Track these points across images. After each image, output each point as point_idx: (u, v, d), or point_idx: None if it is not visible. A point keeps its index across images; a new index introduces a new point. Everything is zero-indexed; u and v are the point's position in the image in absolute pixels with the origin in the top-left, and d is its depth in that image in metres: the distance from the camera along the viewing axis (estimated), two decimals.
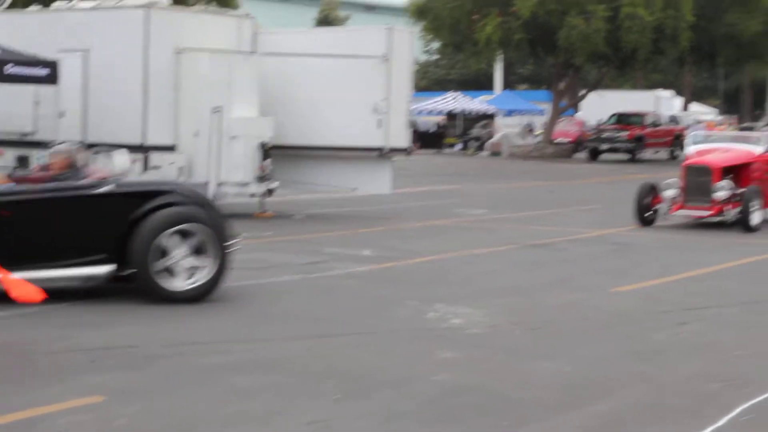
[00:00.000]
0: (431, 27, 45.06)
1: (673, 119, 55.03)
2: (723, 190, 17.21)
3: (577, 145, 52.28)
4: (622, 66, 48.49)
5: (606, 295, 11.13)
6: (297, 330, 8.96)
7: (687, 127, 59.06)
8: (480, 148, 50.46)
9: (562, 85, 48.42)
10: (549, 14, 41.09)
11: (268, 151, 18.32)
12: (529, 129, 55.24)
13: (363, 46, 18.97)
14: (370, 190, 19.95)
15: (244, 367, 7.62)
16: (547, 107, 55.65)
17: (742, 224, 17.07)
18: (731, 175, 17.72)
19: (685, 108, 71.58)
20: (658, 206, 17.77)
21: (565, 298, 10.86)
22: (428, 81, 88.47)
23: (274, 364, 7.74)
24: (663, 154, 47.84)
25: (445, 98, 56.96)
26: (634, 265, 13.59)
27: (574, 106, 56.57)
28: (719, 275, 12.71)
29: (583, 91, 53.59)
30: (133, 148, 18.28)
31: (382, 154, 19.01)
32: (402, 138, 19.34)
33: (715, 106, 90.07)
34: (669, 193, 17.63)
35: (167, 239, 9.84)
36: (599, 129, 46.92)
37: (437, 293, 10.93)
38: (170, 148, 18.48)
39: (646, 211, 17.75)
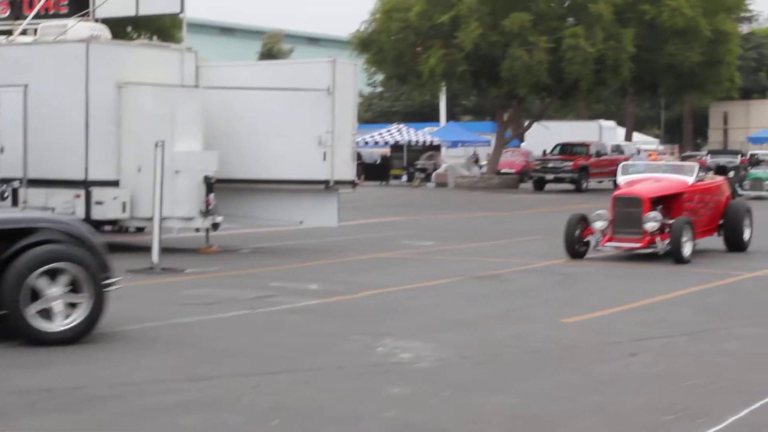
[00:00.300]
0: (374, 60, 45.14)
1: (617, 149, 55.57)
2: (652, 221, 16.68)
3: (523, 175, 52.60)
4: (565, 96, 48.92)
5: (554, 326, 11.08)
6: (243, 367, 8.80)
7: (630, 157, 59.92)
8: (426, 179, 50.54)
9: (506, 116, 48.69)
10: (491, 46, 41.34)
11: (212, 185, 18.17)
12: (474, 160, 55.50)
13: (307, 79, 18.89)
14: (317, 223, 19.82)
15: (190, 407, 7.45)
16: (491, 138, 55.95)
17: (673, 256, 16.56)
18: (661, 206, 17.31)
19: (629, 138, 72.30)
20: (588, 238, 17.33)
21: (513, 330, 10.80)
22: (373, 113, 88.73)
23: (220, 402, 7.58)
24: (607, 183, 48.14)
25: (389, 130, 57.10)
26: (581, 295, 13.58)
27: (519, 137, 56.92)
28: (667, 304, 12.71)
29: (527, 122, 53.93)
30: (75, 184, 18.08)
31: (327, 186, 18.91)
32: (348, 170, 19.25)
33: (657, 136, 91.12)
34: (599, 225, 17.12)
35: (37, 279, 9.45)
36: (544, 159, 47.24)
37: (385, 327, 10.82)
38: (113, 183, 18.29)
39: (576, 244, 17.35)
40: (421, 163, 53.29)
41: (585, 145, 47.39)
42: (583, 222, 17.36)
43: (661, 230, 16.80)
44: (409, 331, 10.55)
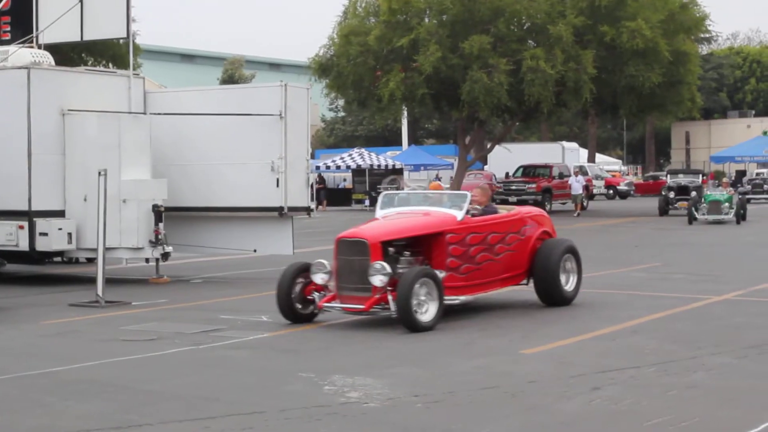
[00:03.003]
0: (334, 84, 44.59)
1: (581, 170, 55.35)
2: (379, 274, 12.16)
3: None
4: (527, 119, 48.54)
5: (513, 358, 10.52)
6: (179, 412, 8.17)
7: (595, 178, 59.77)
8: None
9: (467, 139, 48.24)
10: (451, 69, 40.91)
11: (161, 213, 17.59)
12: None
13: (258, 104, 18.37)
14: (271, 251, 19.22)
15: None
16: (454, 161, 55.55)
17: (403, 323, 12.08)
18: (410, 252, 13.02)
19: (592, 159, 72.28)
20: (314, 295, 12.90)
21: (470, 364, 10.22)
22: (336, 138, 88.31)
23: None
24: (570, 205, 47.91)
25: (351, 154, 56.64)
26: (542, 323, 13.01)
27: (482, 160, 56.54)
28: (632, 332, 12.16)
29: (489, 144, 53.54)
30: (18, 214, 17.45)
31: (281, 214, 18.33)
32: (302, 197, 18.70)
33: (619, 157, 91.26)
34: (319, 279, 12.76)
35: None
36: (507, 182, 46.92)
37: (335, 362, 10.24)
38: (59, 213, 17.68)
39: (297, 303, 12.91)
40: (383, 187, 52.78)
41: (548, 167, 47.15)
42: (305, 274, 12.98)
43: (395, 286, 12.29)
44: (359, 367, 9.96)
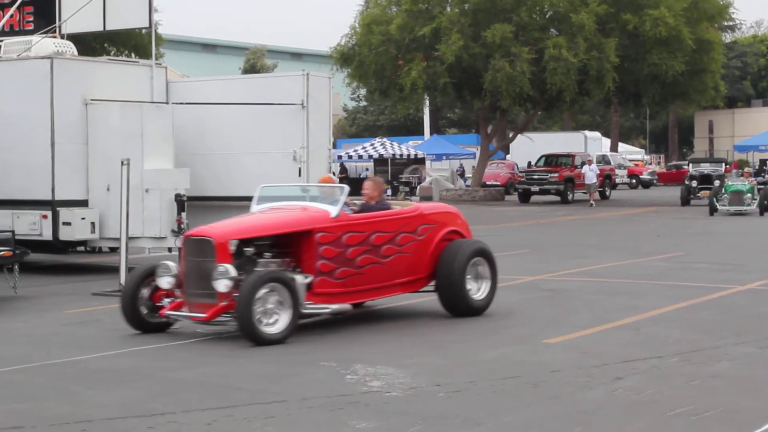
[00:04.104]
0: (356, 73, 44.59)
1: (603, 159, 55.19)
2: (224, 278, 10.67)
3: (508, 187, 52.15)
4: (549, 108, 48.45)
5: (536, 348, 10.50)
6: (200, 401, 8.19)
7: (618, 167, 59.51)
8: (410, 193, 50.01)
9: (490, 128, 48.17)
10: (473, 57, 40.87)
11: (184, 203, 17.59)
12: (459, 173, 55.02)
13: (280, 93, 18.34)
14: None
15: None
16: (476, 151, 55.48)
17: (244, 333, 10.58)
18: (274, 253, 11.47)
19: (614, 148, 72.02)
20: (163, 301, 11.42)
21: (493, 353, 10.21)
22: (357, 127, 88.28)
23: None
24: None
25: (372, 144, 56.63)
26: (566, 312, 12.97)
27: (504, 149, 56.44)
28: (655, 322, 12.12)
29: (511, 134, 53.45)
30: (42, 204, 17.52)
31: None
32: None
33: (642, 146, 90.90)
34: (164, 282, 11.30)
35: None
36: (529, 171, 46.79)
37: (356, 351, 10.24)
38: (82, 203, 17.73)
39: (142, 311, 11.48)
40: (405, 176, 52.79)
41: (570, 156, 47.00)
42: (151, 278, 11.52)
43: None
44: (381, 356, 9.96)
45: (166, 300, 11.35)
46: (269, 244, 11.50)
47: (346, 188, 12.01)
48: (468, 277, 12.43)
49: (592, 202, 41.76)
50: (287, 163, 18.15)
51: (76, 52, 18.72)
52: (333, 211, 11.71)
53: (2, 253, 14.36)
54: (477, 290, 12.62)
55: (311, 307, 11.31)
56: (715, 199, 33.66)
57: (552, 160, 46.99)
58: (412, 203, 13.48)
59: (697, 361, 9.73)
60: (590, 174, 42.26)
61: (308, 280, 11.35)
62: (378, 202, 12.68)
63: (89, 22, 19.35)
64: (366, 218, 12.07)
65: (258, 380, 9.00)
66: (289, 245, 11.57)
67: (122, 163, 15.17)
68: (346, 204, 11.97)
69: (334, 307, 11.59)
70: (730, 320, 12.21)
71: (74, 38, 19.47)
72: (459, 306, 12.39)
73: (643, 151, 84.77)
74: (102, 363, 9.90)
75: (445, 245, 12.51)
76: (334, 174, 51.59)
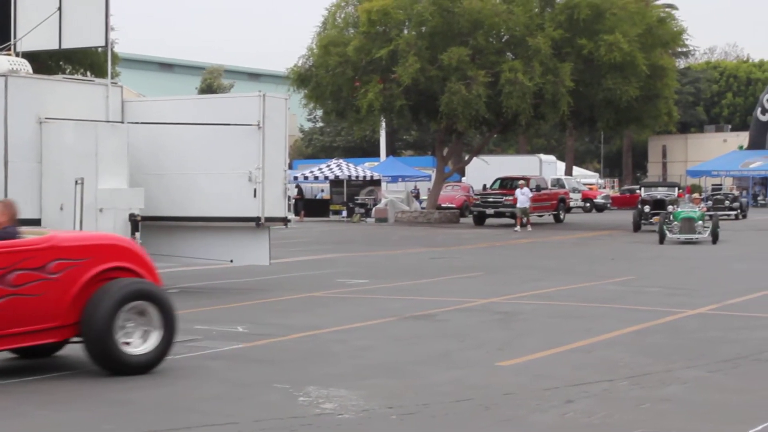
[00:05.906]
0: (313, 94, 44.65)
1: (558, 182, 55.61)
2: None
3: (463, 210, 52.34)
4: (505, 131, 48.79)
5: (489, 370, 10.55)
6: (153, 422, 8.15)
7: (572, 191, 59.93)
8: (366, 214, 50.05)
9: (445, 151, 48.37)
10: (430, 80, 41.07)
11: (138, 222, 17.54)
12: (414, 195, 55.16)
13: (236, 114, 18.35)
14: (248, 262, 19.18)
15: None
16: (432, 173, 55.65)
17: None
18: None
19: (569, 172, 72.56)
20: None
21: (446, 375, 10.24)
22: (314, 148, 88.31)
23: None
24: (548, 218, 48.18)
25: (329, 165, 56.68)
26: (519, 335, 13.05)
27: (460, 171, 56.68)
28: (608, 345, 12.21)
29: (467, 156, 53.68)
30: None
31: (258, 224, 18.31)
32: (279, 207, 18.66)
33: (597, 170, 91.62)
34: None
35: None
36: (484, 194, 46.98)
37: (310, 374, 10.23)
38: (35, 222, 17.55)
39: None
40: (360, 198, 52.84)
41: (525, 179, 47.24)
42: None
43: None
44: (335, 378, 9.96)
45: None
46: None
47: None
48: (126, 325, 10.14)
49: (517, 228, 39.88)
50: (243, 183, 18.15)
51: (31, 70, 18.59)
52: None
53: None
54: (140, 343, 10.25)
55: None
56: (665, 227, 31.66)
57: (507, 183, 47.20)
58: (47, 232, 10.78)
59: (648, 384, 9.81)
60: (522, 198, 40.19)
61: None
62: (5, 228, 10.23)
63: (45, 41, 19.23)
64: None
65: (211, 402, 8.97)
66: None
67: (76, 182, 15.13)
68: None
69: None
70: (681, 344, 12.32)
71: (29, 56, 19.33)
72: (108, 361, 10.05)
73: (597, 174, 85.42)
74: (51, 384, 9.79)
75: (98, 287, 10.14)
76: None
